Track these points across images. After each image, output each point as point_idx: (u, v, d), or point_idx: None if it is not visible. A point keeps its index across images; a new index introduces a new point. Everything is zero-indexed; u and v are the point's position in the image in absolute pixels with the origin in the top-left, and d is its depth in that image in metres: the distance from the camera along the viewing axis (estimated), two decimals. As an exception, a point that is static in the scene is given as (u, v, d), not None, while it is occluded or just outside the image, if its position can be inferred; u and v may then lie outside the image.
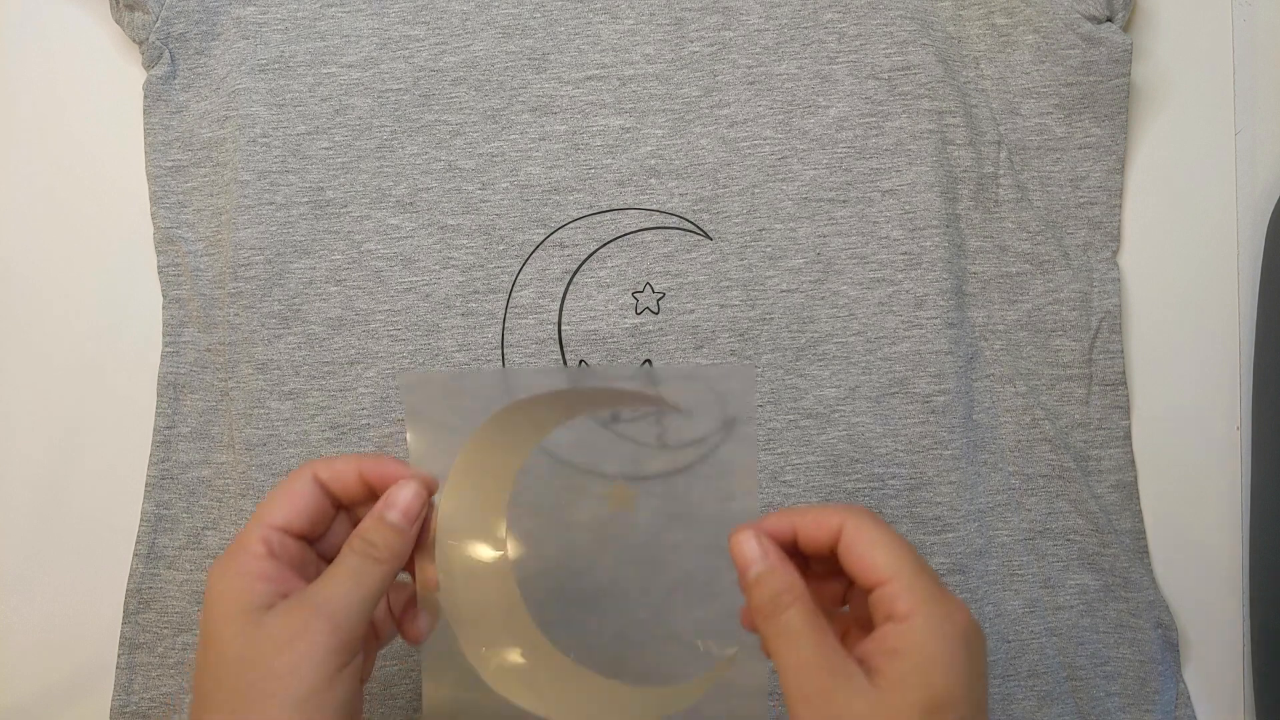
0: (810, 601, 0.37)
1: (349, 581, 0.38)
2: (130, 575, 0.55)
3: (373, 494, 0.40)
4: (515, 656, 0.41)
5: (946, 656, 0.35)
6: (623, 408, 0.43)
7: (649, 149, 0.55)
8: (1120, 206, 0.55)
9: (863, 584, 0.38)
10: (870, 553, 0.37)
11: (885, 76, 0.54)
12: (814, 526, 0.39)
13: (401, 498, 0.39)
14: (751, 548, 0.39)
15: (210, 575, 0.38)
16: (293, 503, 0.39)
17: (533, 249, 0.54)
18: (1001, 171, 0.55)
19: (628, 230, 0.55)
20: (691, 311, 0.54)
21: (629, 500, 0.42)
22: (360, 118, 0.55)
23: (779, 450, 0.53)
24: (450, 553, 0.41)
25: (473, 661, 0.41)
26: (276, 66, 0.56)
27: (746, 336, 0.54)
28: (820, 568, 0.40)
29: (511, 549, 0.42)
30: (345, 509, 0.42)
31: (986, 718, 0.36)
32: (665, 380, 0.44)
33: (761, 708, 0.41)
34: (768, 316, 0.54)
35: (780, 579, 0.38)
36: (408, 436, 0.41)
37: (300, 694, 0.35)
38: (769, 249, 0.54)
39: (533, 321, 0.54)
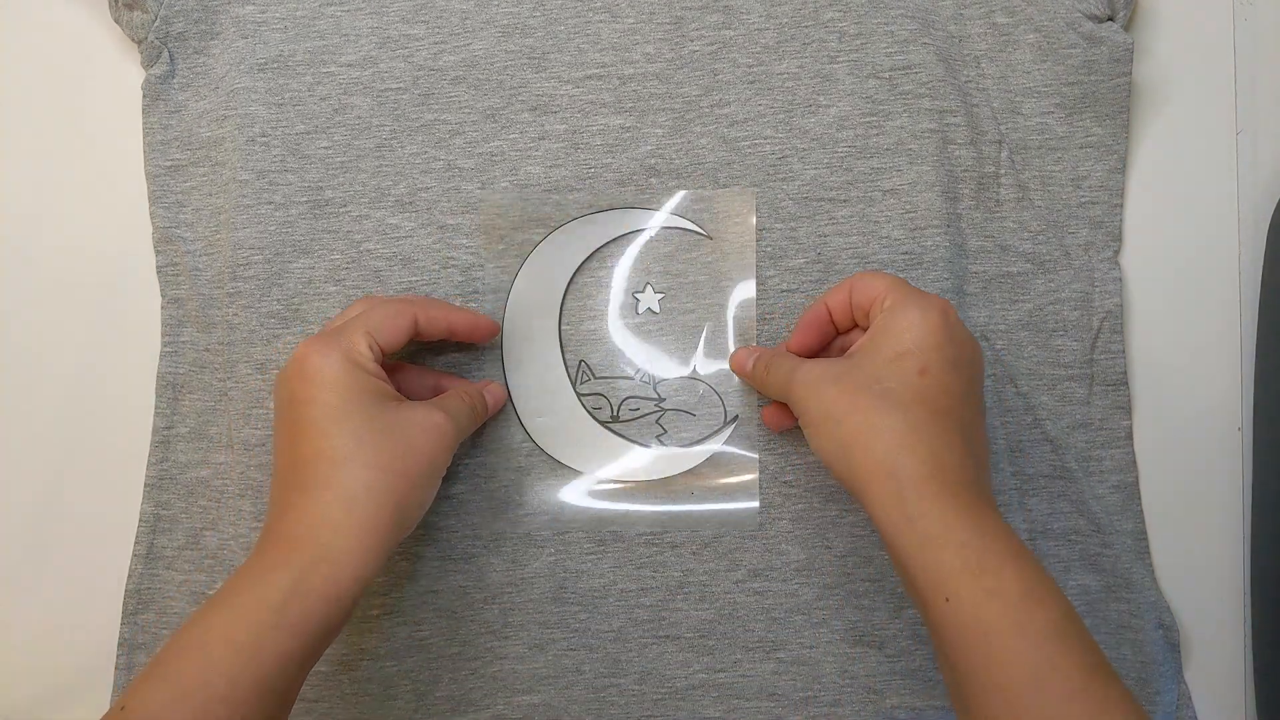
0: (789, 354, 0.49)
1: (466, 409, 0.49)
2: (129, 576, 0.55)
3: (451, 335, 0.51)
4: (556, 420, 0.54)
5: (918, 319, 0.43)
6: (657, 227, 0.55)
7: (649, 148, 0.55)
8: (1121, 206, 0.55)
9: (866, 308, 0.46)
10: (872, 282, 0.46)
11: (886, 75, 0.54)
12: (837, 294, 0.48)
13: (499, 402, 0.53)
14: (742, 354, 0.51)
15: (309, 351, 0.45)
16: (394, 327, 0.48)
17: (532, 248, 0.54)
18: (1003, 171, 0.54)
19: (629, 230, 0.55)
20: (691, 311, 0.54)
21: (654, 301, 0.54)
22: (359, 117, 0.55)
23: (780, 451, 0.53)
24: (515, 341, 0.54)
25: (524, 423, 0.54)
26: (275, 65, 0.55)
27: (747, 336, 0.54)
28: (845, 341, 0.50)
29: (563, 337, 0.54)
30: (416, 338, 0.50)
31: (962, 374, 0.44)
32: (686, 212, 0.54)
33: (752, 464, 0.53)
34: (768, 316, 0.54)
35: (766, 354, 0.50)
36: (481, 250, 0.54)
37: (433, 472, 0.46)
38: (769, 249, 0.54)
39: (533, 321, 0.54)
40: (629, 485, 0.54)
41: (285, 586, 0.41)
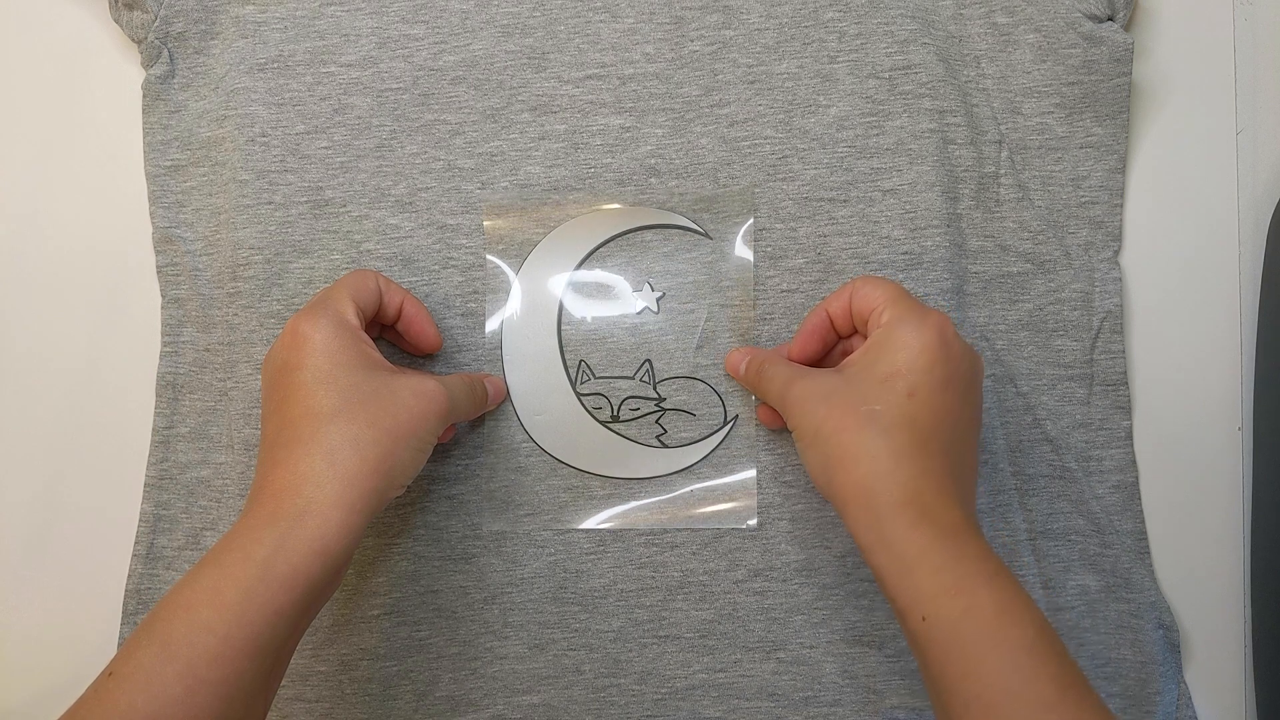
0: (785, 360, 0.49)
1: (465, 388, 0.50)
2: (129, 576, 0.55)
3: (389, 322, 0.51)
4: (556, 419, 0.54)
5: (912, 339, 0.43)
6: (656, 226, 0.55)
7: (649, 148, 0.55)
8: (1121, 206, 0.55)
9: (865, 316, 0.47)
10: (871, 290, 0.46)
11: (886, 76, 0.54)
12: (838, 300, 0.48)
13: (500, 393, 0.54)
14: (736, 355, 0.52)
15: (299, 321, 0.45)
16: (367, 288, 0.49)
17: (532, 248, 0.54)
18: (1003, 171, 0.54)
19: (628, 229, 0.55)
20: (691, 311, 0.54)
21: (653, 300, 0.54)
22: (359, 117, 0.55)
23: (779, 450, 0.53)
24: (515, 340, 0.54)
25: (524, 422, 0.54)
26: (275, 65, 0.55)
27: (746, 336, 0.54)
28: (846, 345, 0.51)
29: (563, 337, 0.55)
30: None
31: (954, 394, 0.43)
32: (683, 211, 0.54)
33: (750, 460, 0.54)
34: (768, 316, 0.54)
35: (759, 357, 0.51)
36: (482, 250, 0.55)
37: (421, 435, 0.46)
38: (769, 249, 0.54)
39: (533, 321, 0.54)
40: (629, 484, 0.54)
41: (271, 542, 0.40)
